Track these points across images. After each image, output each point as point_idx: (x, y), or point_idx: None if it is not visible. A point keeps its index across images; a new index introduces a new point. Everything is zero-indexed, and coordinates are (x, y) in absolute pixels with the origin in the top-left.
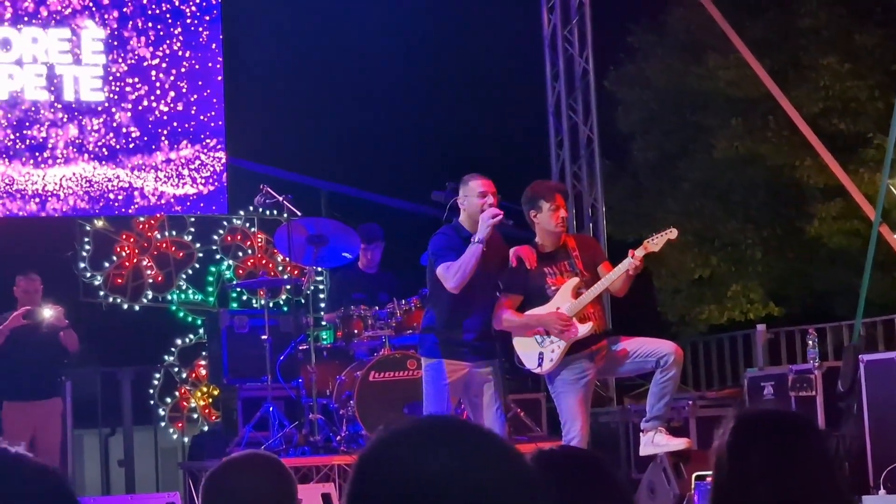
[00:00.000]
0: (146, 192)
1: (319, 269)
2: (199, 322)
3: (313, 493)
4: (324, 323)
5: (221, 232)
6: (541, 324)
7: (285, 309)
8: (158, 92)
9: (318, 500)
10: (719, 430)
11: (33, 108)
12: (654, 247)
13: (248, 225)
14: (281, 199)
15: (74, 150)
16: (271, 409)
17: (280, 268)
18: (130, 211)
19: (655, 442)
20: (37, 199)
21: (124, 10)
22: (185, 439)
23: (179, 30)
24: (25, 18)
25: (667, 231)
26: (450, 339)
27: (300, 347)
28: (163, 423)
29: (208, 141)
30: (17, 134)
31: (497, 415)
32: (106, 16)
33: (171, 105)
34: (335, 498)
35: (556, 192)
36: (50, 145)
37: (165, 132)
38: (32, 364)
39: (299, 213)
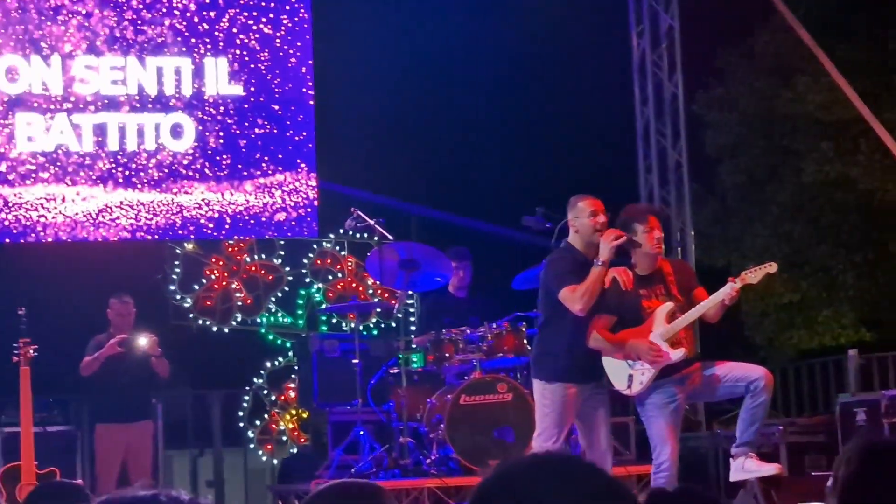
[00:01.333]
0: (237, 216)
1: (410, 292)
2: (289, 345)
3: None
4: (414, 346)
5: (311, 255)
6: (632, 350)
7: (374, 332)
8: (250, 117)
9: None
10: (841, 459)
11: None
12: (752, 279)
13: (338, 248)
14: (372, 222)
15: (164, 174)
16: (362, 432)
17: (370, 291)
18: (221, 234)
19: (746, 468)
20: (130, 224)
21: (215, 35)
22: (275, 461)
23: (268, 55)
24: (115, 47)
25: (766, 265)
26: (571, 362)
27: (391, 371)
28: (252, 446)
29: (299, 165)
30: (113, 160)
31: (607, 434)
32: (195, 41)
33: (262, 130)
34: None
35: (649, 213)
36: (147, 170)
37: (256, 157)
38: (125, 387)
39: (391, 237)
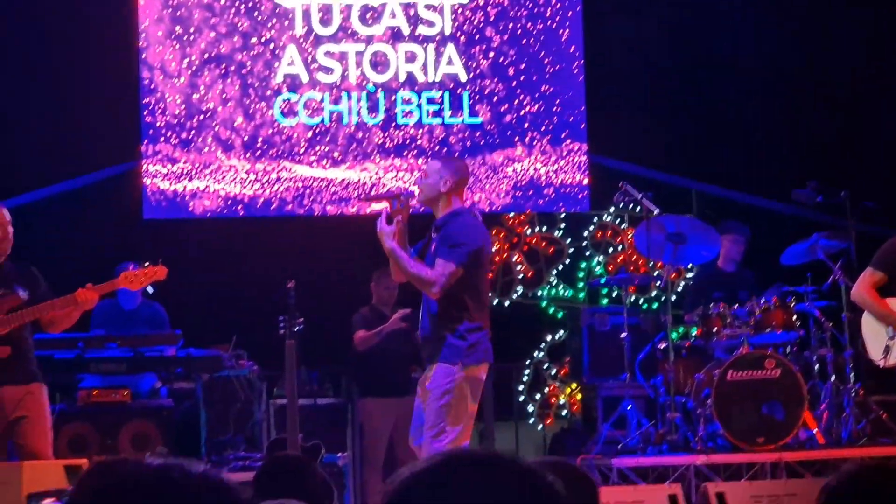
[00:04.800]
0: (509, 190)
1: (689, 266)
2: (562, 318)
3: (659, 494)
4: (683, 321)
5: (592, 228)
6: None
7: (644, 307)
8: (521, 94)
9: (663, 501)
10: None
11: (395, 110)
12: None
13: (618, 222)
14: (639, 196)
15: (438, 147)
16: (630, 407)
17: (650, 264)
18: (497, 209)
19: None
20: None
21: (487, 12)
22: (544, 436)
23: (540, 29)
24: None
25: None
26: None
27: (659, 346)
28: (531, 420)
29: (571, 140)
30: (384, 134)
31: None
32: (466, 17)
33: (533, 105)
34: (681, 499)
35: None
36: (418, 142)
37: (528, 132)
38: (394, 361)
39: (656, 211)
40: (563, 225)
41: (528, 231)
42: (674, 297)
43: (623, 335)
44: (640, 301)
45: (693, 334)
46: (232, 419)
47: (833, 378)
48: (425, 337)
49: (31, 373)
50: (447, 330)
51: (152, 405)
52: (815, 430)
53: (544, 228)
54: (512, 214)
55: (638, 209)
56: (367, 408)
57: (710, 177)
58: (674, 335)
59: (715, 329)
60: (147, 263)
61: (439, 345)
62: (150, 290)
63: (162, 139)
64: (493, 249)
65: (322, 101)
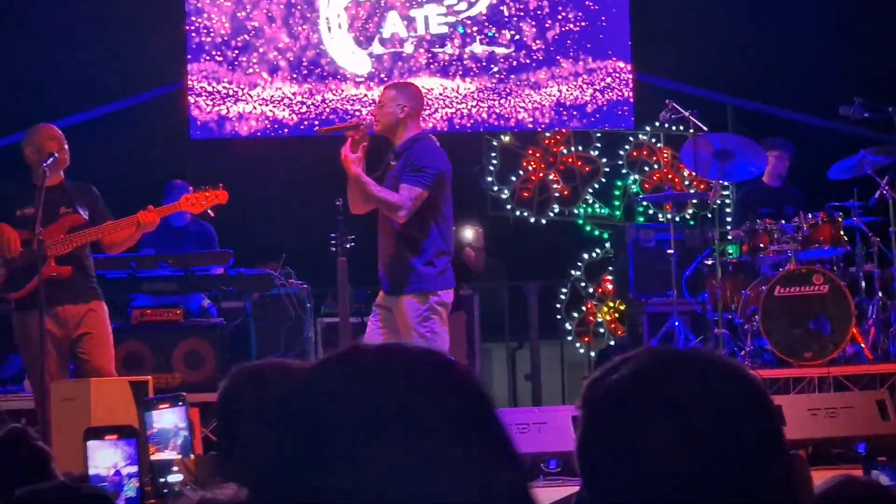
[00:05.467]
0: (553, 108)
1: (725, 183)
2: (606, 236)
3: None
4: (729, 237)
5: (627, 147)
6: None
7: (691, 223)
8: (563, 11)
9: None
10: None
11: (445, 28)
12: None
13: (654, 140)
14: (687, 114)
15: (482, 65)
16: (676, 323)
17: (686, 182)
18: (541, 127)
19: None
20: (447, 114)
21: None
22: (592, 353)
23: None
24: None
25: None
26: None
27: (705, 262)
28: (569, 338)
29: (615, 58)
30: (434, 51)
31: None
32: None
33: (578, 23)
34: None
35: None
36: (463, 61)
37: (572, 50)
38: None
39: (705, 129)
40: (598, 144)
41: (564, 150)
42: (708, 215)
43: (670, 251)
44: (682, 218)
45: (740, 250)
46: (282, 337)
47: (880, 294)
48: (389, 264)
49: (92, 291)
50: (415, 256)
51: (205, 324)
52: (862, 346)
53: (580, 147)
54: (548, 134)
55: (676, 127)
56: None
57: (754, 94)
58: (721, 251)
59: (761, 245)
60: (207, 187)
61: (406, 273)
62: (210, 213)
63: (207, 59)
64: (530, 169)
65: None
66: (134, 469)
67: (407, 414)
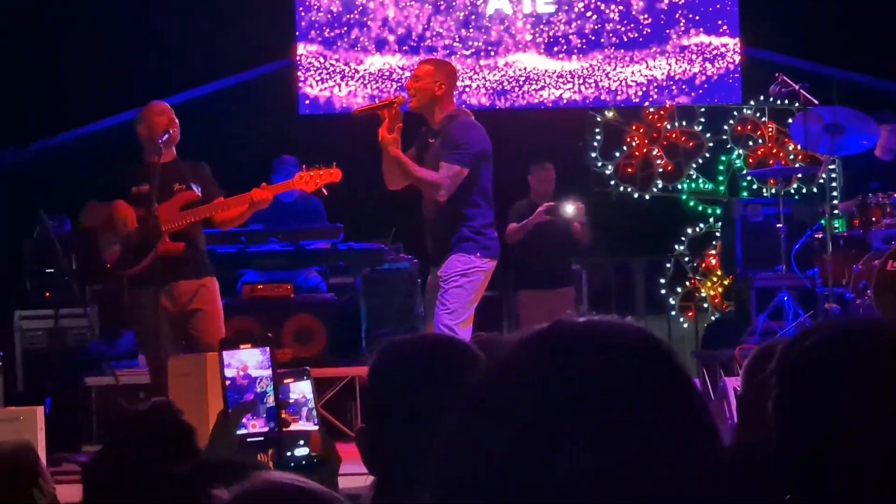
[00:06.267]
0: (658, 83)
1: (833, 157)
2: (709, 211)
3: None
4: (837, 212)
5: (731, 122)
6: None
7: (796, 198)
8: None
9: None
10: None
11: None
12: None
13: (758, 115)
14: (797, 87)
15: (588, 42)
16: (786, 298)
17: (791, 157)
18: (648, 102)
19: None
20: (552, 91)
21: None
22: (696, 328)
23: None
24: None
25: None
26: None
27: (815, 236)
28: (673, 313)
29: (723, 31)
30: (540, 28)
31: None
32: None
33: None
34: None
35: None
36: (569, 37)
37: (679, 24)
38: (548, 254)
39: (815, 102)
40: (702, 119)
41: (668, 126)
42: (815, 189)
43: (778, 226)
44: (787, 193)
45: (851, 224)
46: (393, 313)
47: None
48: (437, 239)
49: (205, 267)
50: (462, 226)
51: (315, 299)
52: None
53: (684, 123)
54: (652, 109)
55: (781, 102)
56: (523, 299)
57: (861, 67)
58: (831, 225)
59: (874, 219)
60: (320, 165)
61: (453, 239)
62: (324, 191)
63: (317, 36)
64: (634, 144)
65: None
66: (267, 372)
67: (618, 393)
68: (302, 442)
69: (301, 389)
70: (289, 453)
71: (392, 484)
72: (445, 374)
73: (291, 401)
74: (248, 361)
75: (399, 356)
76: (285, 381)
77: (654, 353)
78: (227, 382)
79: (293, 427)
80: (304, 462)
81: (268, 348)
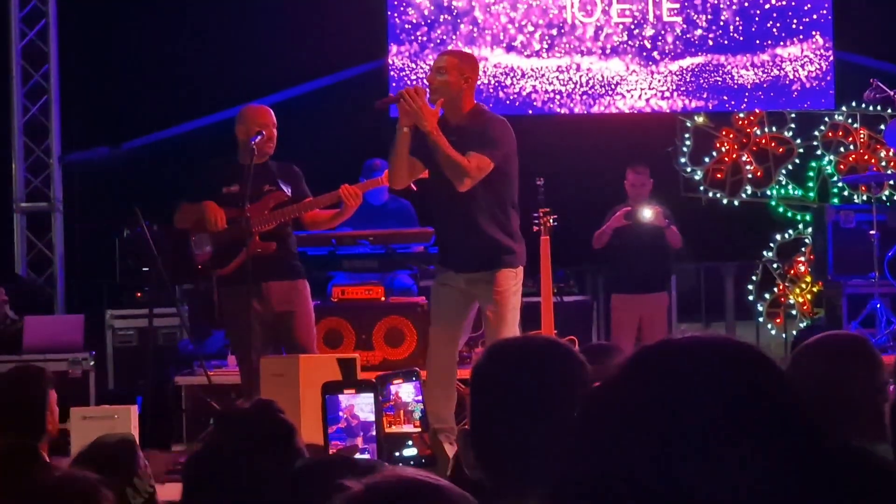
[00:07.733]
0: (750, 88)
1: None
2: (798, 217)
3: None
4: None
5: (822, 128)
6: None
7: (888, 204)
8: None
9: None
10: None
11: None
12: None
13: (849, 120)
14: (892, 93)
15: (678, 48)
16: (878, 305)
17: (883, 163)
18: (741, 108)
19: None
20: (643, 96)
21: None
22: (784, 335)
23: None
24: None
25: None
26: None
27: None
28: (761, 319)
29: (816, 36)
30: (625, 32)
31: None
32: None
33: (777, 2)
34: None
35: None
36: (658, 43)
37: (770, 29)
38: (638, 258)
39: None
40: (792, 125)
41: (758, 131)
42: None
43: (871, 232)
44: (878, 199)
45: None
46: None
47: None
48: (479, 242)
49: (296, 269)
50: (505, 232)
51: (405, 302)
52: None
53: (774, 128)
54: (742, 115)
55: (874, 107)
56: (616, 303)
57: None
58: None
59: None
60: None
61: (500, 248)
62: (413, 187)
63: (408, 37)
64: (724, 150)
65: None
66: (371, 417)
67: (733, 413)
68: (410, 443)
69: (409, 393)
70: (397, 454)
71: (504, 484)
72: (555, 377)
73: (391, 404)
74: (355, 405)
75: (510, 357)
76: (394, 381)
77: (772, 370)
78: (332, 429)
79: (394, 430)
80: (411, 462)
81: (372, 394)
